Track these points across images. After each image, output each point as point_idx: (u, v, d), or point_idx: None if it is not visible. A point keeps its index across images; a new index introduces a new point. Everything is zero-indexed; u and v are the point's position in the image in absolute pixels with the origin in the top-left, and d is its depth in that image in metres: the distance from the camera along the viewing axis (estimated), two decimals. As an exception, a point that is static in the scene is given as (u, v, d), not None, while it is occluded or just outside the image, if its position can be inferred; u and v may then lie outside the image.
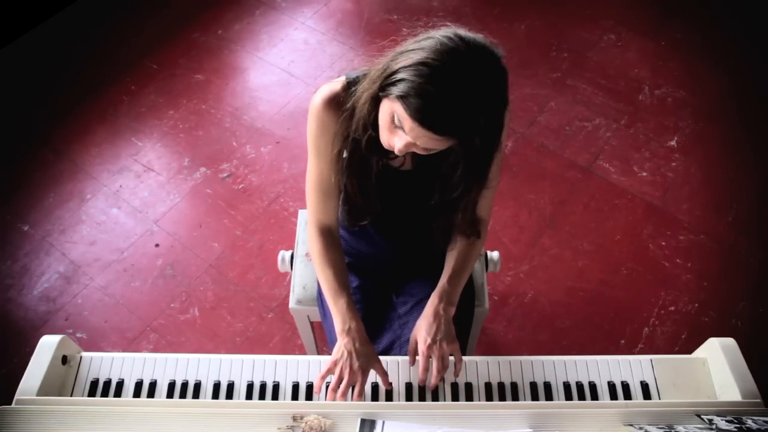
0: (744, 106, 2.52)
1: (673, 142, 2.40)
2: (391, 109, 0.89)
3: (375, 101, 0.95)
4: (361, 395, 1.06)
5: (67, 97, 2.61)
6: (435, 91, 0.82)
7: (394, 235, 1.28)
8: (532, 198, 2.24)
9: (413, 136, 0.88)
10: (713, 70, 2.64)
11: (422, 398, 1.09)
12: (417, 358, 1.10)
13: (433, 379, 1.06)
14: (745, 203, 2.22)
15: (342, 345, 1.08)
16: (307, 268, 1.51)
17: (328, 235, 1.20)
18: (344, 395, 1.05)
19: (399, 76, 0.85)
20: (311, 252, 1.21)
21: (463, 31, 0.87)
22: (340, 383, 1.05)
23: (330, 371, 1.07)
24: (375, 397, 1.10)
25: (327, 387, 1.08)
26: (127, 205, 2.28)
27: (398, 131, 0.91)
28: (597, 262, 2.08)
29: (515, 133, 2.42)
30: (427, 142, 0.88)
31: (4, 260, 2.15)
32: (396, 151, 0.93)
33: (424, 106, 0.83)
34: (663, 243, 2.12)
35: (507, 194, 2.24)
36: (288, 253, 1.56)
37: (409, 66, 0.85)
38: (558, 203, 2.23)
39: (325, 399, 1.07)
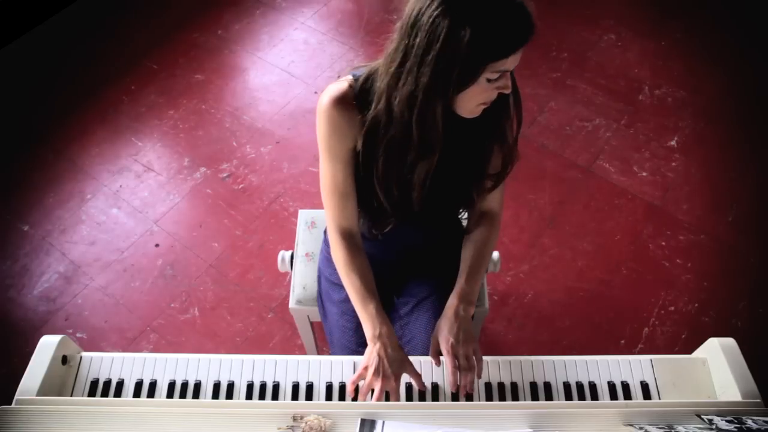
0: (744, 106, 2.52)
1: (673, 142, 2.40)
2: (480, 80, 0.90)
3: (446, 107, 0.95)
4: (397, 396, 1.06)
5: (67, 97, 2.62)
6: (501, 15, 0.83)
7: (399, 233, 1.27)
8: (532, 198, 2.24)
9: (515, 64, 0.90)
10: (713, 70, 2.64)
11: (422, 398, 1.09)
12: (441, 358, 1.11)
13: (463, 379, 1.05)
14: (745, 203, 2.22)
15: (374, 350, 1.07)
16: (307, 268, 1.51)
17: (350, 240, 1.18)
18: (379, 399, 1.04)
19: (466, 53, 0.85)
20: (335, 259, 1.19)
21: None
22: (372, 388, 1.05)
23: (362, 376, 1.06)
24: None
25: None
26: (127, 205, 2.28)
27: (493, 83, 0.91)
28: (597, 262, 2.08)
29: (515, 133, 2.41)
30: (515, 61, 0.89)
31: (4, 260, 2.15)
32: (507, 92, 0.94)
33: (511, 31, 0.85)
34: (663, 243, 2.12)
35: (507, 194, 2.22)
36: (288, 253, 1.56)
37: (464, 42, 0.84)
38: (558, 203, 2.23)
39: (357, 400, 1.06)
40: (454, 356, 1.07)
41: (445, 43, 0.85)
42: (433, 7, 0.84)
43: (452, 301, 1.13)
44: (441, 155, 1.04)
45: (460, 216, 1.39)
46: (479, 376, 1.08)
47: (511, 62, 0.88)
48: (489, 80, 0.90)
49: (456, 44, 0.84)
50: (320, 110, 1.06)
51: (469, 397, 1.08)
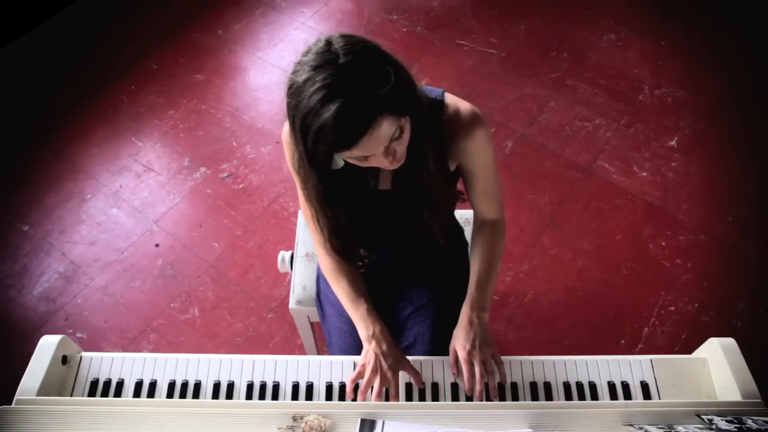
0: (744, 106, 2.52)
1: (673, 142, 2.39)
2: (340, 158, 0.91)
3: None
4: (397, 396, 1.06)
5: (67, 97, 2.62)
6: (322, 114, 0.82)
7: (388, 247, 1.28)
8: (532, 198, 2.24)
9: (372, 149, 0.88)
10: (713, 70, 2.64)
11: (422, 398, 1.09)
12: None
13: (477, 385, 1.05)
14: (745, 203, 2.22)
15: (369, 349, 1.08)
16: (307, 269, 1.51)
17: (335, 251, 1.19)
18: (379, 396, 1.04)
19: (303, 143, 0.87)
20: (324, 270, 1.22)
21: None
22: (371, 386, 1.05)
23: (360, 375, 1.06)
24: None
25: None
26: (127, 205, 2.28)
27: (363, 161, 0.92)
28: (597, 262, 2.08)
29: (515, 133, 2.42)
30: (381, 140, 0.87)
31: (4, 260, 2.15)
32: (396, 165, 0.94)
33: (333, 133, 0.83)
34: (663, 243, 2.12)
35: (507, 194, 2.23)
36: (288, 254, 1.56)
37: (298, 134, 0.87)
38: (558, 203, 2.23)
39: (357, 400, 1.06)
40: (471, 363, 1.06)
41: (292, 124, 0.89)
42: (289, 93, 0.87)
43: (465, 310, 1.13)
44: (376, 198, 1.09)
45: (459, 221, 1.40)
46: (504, 381, 1.08)
47: (363, 149, 0.86)
48: (354, 157, 0.91)
49: (296, 132, 0.88)
50: (284, 141, 1.08)
51: (469, 397, 1.08)
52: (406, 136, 0.91)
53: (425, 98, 0.99)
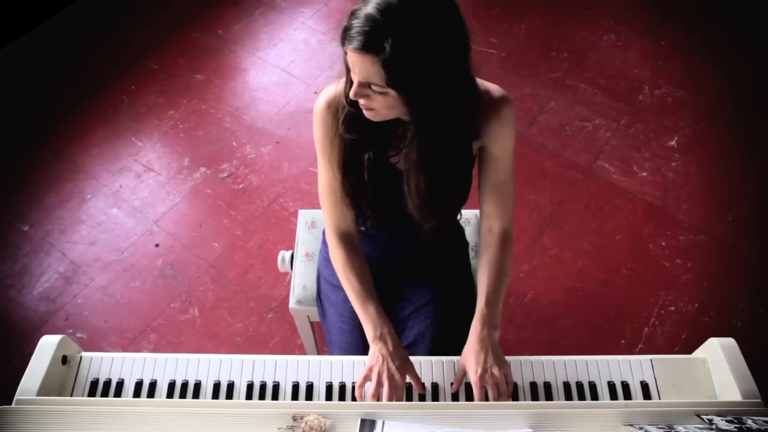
0: (744, 106, 2.52)
1: (673, 142, 2.39)
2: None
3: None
4: (402, 397, 1.05)
5: (67, 97, 2.61)
6: (358, 11, 0.86)
7: (397, 233, 1.27)
8: (532, 198, 2.24)
9: (354, 69, 0.89)
10: (713, 70, 2.64)
11: (422, 398, 1.09)
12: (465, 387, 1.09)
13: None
14: (745, 203, 2.22)
15: (376, 350, 1.07)
16: (306, 269, 1.51)
17: (348, 242, 1.18)
18: (389, 399, 1.03)
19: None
20: (333, 261, 1.19)
21: None
22: (379, 389, 1.04)
23: (367, 378, 1.05)
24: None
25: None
26: (127, 205, 2.28)
27: (351, 75, 0.93)
28: (597, 262, 2.08)
29: (515, 133, 2.41)
30: (361, 70, 0.88)
31: (4, 260, 2.15)
32: (352, 96, 0.93)
33: (350, 24, 0.86)
34: (663, 243, 2.12)
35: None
36: (288, 253, 1.56)
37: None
38: (558, 203, 2.23)
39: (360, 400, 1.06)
40: (483, 386, 1.04)
41: None
42: None
43: (476, 326, 1.10)
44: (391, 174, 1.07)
45: (459, 219, 1.39)
46: (508, 397, 1.06)
47: (350, 59, 0.89)
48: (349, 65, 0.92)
49: None
50: (315, 112, 1.07)
51: (470, 397, 1.08)
52: (383, 103, 0.92)
53: (460, 92, 0.98)
